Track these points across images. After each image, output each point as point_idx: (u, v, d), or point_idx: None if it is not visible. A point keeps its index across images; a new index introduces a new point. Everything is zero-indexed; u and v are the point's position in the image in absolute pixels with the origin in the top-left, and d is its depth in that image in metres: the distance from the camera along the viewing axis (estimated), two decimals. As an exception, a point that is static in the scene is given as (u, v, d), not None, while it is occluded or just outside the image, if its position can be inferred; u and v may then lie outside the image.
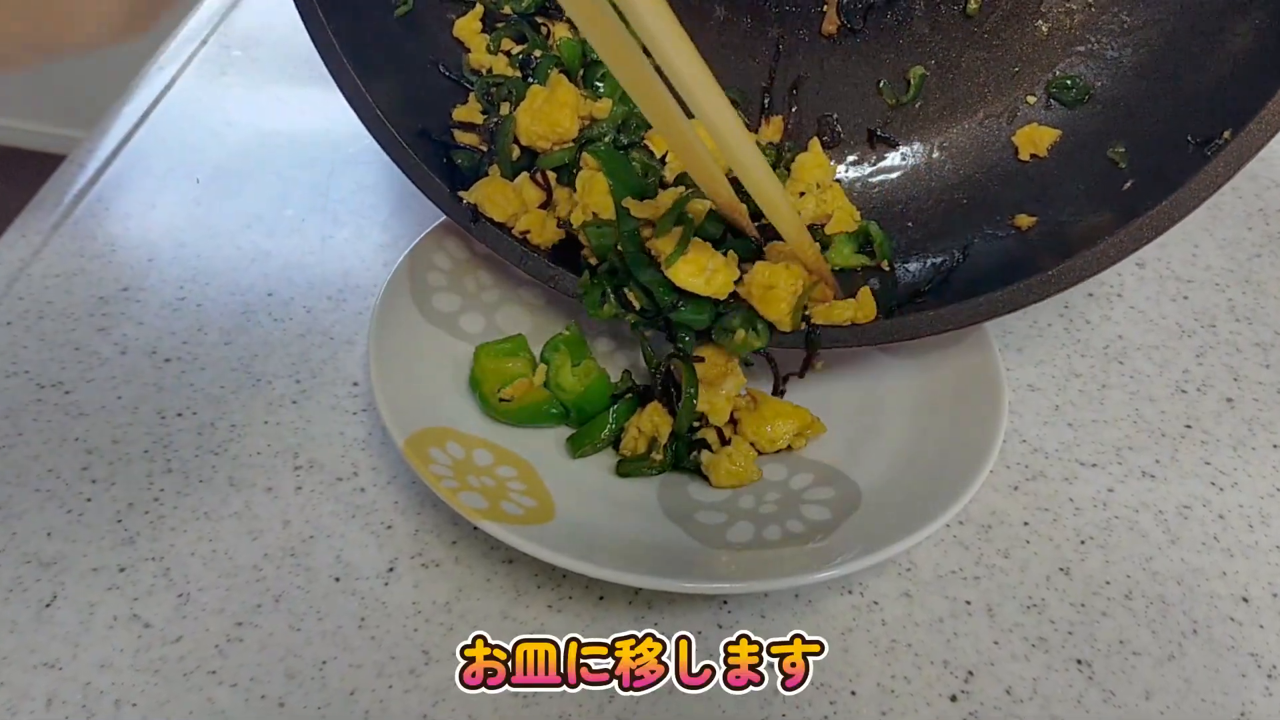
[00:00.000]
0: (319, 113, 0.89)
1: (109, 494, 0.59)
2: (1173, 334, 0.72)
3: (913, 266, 0.64)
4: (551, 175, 0.64)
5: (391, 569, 0.56)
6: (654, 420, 0.60)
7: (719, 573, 0.52)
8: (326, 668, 0.52)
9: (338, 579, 0.56)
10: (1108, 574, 0.58)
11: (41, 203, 0.78)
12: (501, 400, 0.61)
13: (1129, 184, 0.57)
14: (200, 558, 0.57)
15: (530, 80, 0.67)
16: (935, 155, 0.67)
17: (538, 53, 0.68)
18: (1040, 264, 0.57)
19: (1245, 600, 0.57)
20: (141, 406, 0.64)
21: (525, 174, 0.64)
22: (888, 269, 0.64)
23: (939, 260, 0.63)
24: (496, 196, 0.64)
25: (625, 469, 0.60)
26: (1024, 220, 0.61)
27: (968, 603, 0.56)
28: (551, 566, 0.54)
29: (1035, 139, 0.63)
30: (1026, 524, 0.60)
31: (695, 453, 0.60)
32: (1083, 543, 0.59)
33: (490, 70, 0.68)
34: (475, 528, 0.55)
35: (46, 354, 0.67)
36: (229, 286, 0.72)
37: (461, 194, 0.64)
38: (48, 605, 0.54)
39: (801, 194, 0.67)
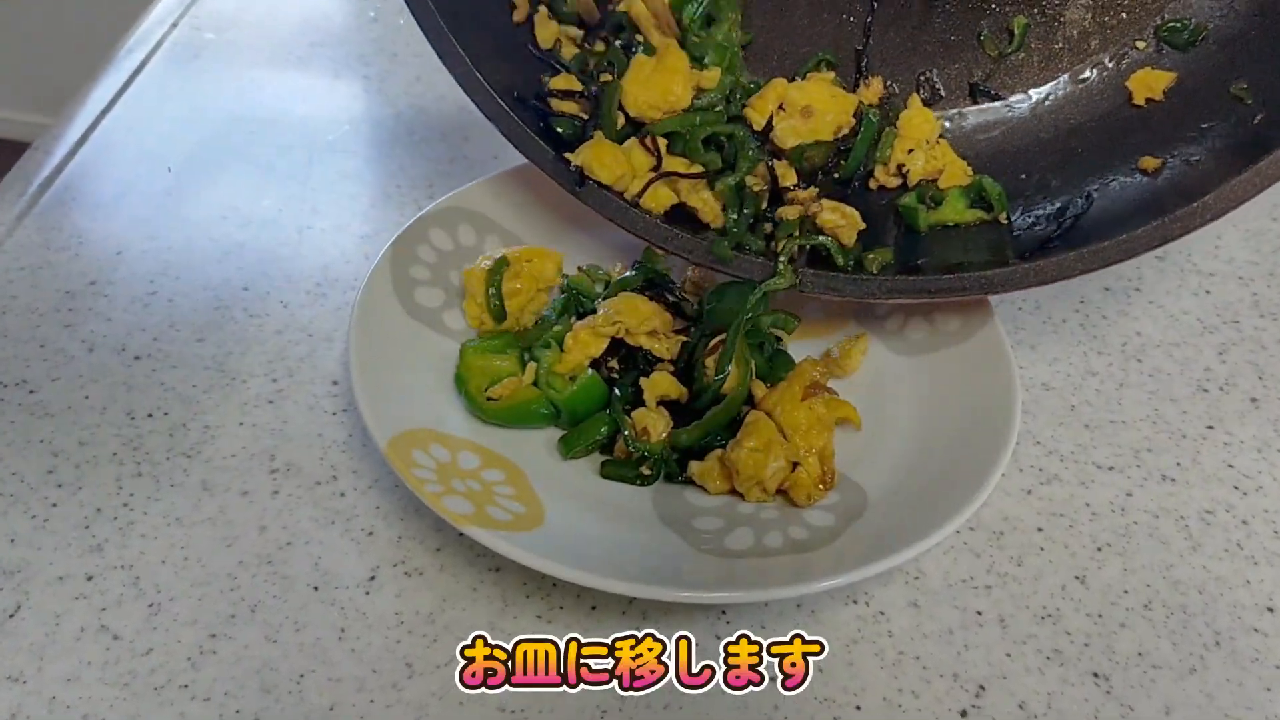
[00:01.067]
0: (297, 98, 0.89)
1: (76, 499, 0.59)
2: (1194, 330, 0.72)
3: (1034, 215, 0.64)
4: (662, 142, 0.65)
5: (373, 577, 0.56)
6: (652, 420, 0.60)
7: (717, 581, 0.52)
8: (304, 681, 0.52)
9: (316, 588, 0.56)
10: (1126, 583, 0.58)
11: (4, 193, 0.78)
12: (489, 400, 0.61)
13: (1259, 117, 0.58)
14: (172, 565, 0.56)
15: (635, 49, 0.67)
16: (1043, 106, 0.68)
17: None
18: (1172, 206, 0.57)
19: (1270, 610, 0.57)
20: (110, 407, 0.64)
21: (634, 139, 0.65)
22: (1005, 221, 0.64)
23: (1058, 208, 0.63)
24: (605, 158, 0.64)
25: (609, 471, 0.60)
26: (1149, 162, 0.61)
27: (979, 613, 0.56)
28: (541, 575, 0.54)
29: (1150, 83, 0.64)
30: (1040, 530, 0.60)
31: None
32: (1100, 550, 0.59)
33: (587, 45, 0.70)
34: (461, 534, 0.55)
35: (10, 351, 0.66)
36: (202, 280, 0.72)
37: (568, 155, 0.64)
38: (11, 615, 0.54)
39: (910, 151, 0.67)
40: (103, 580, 0.56)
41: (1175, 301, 0.74)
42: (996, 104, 0.69)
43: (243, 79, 0.91)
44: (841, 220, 0.64)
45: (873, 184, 0.68)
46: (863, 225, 0.64)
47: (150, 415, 0.64)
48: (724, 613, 0.55)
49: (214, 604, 0.55)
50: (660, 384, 0.61)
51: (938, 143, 0.68)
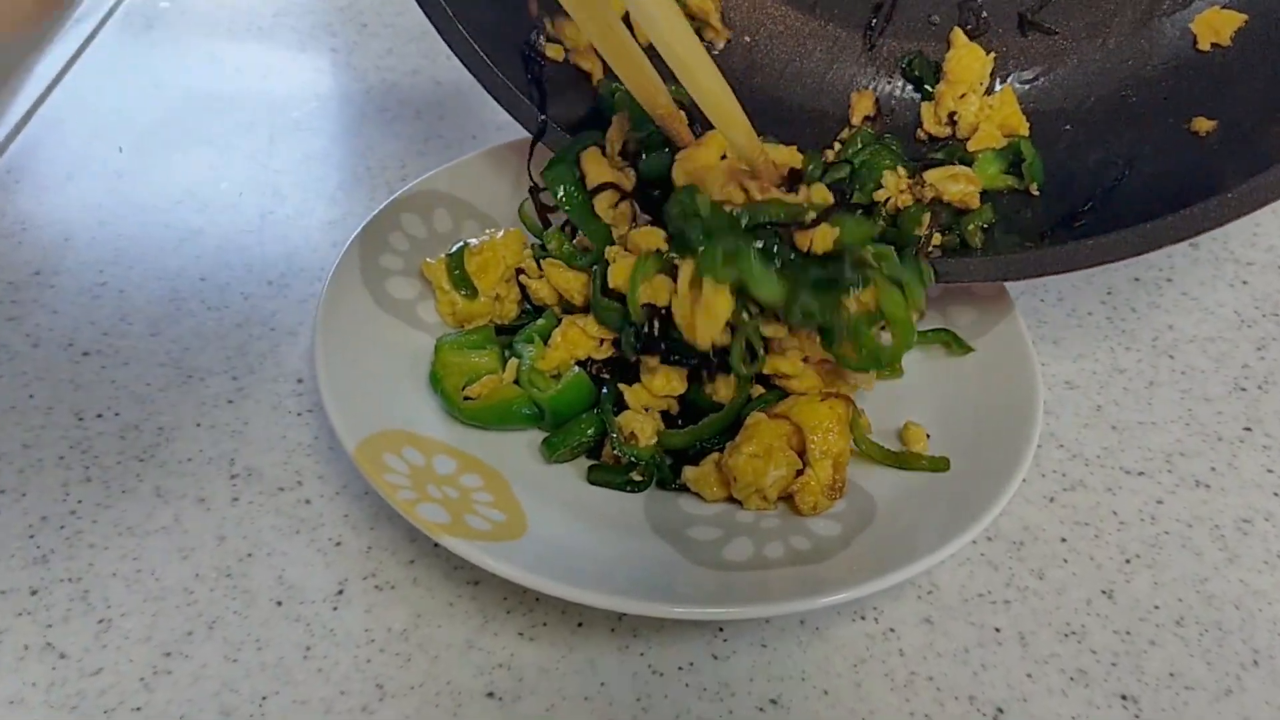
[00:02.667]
0: (258, 72, 0.89)
1: (19, 506, 0.59)
2: (1230, 324, 0.72)
3: (1070, 176, 0.64)
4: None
5: (341, 591, 0.56)
6: (641, 422, 0.60)
7: (714, 596, 0.52)
8: (267, 704, 0.52)
9: (279, 603, 0.56)
10: (1156, 597, 0.58)
11: (-59, 174, 0.78)
12: (466, 399, 0.61)
13: None
14: (123, 579, 0.56)
15: None
16: (1097, 44, 0.67)
17: None
18: (1220, 178, 0.55)
19: (1311, 626, 0.57)
20: (56, 406, 0.64)
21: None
22: (1035, 193, 0.64)
23: (1099, 172, 0.63)
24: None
25: (597, 477, 0.60)
26: (1202, 124, 0.61)
27: (997, 630, 0.56)
28: (523, 589, 0.54)
29: (1216, 25, 0.63)
30: (1064, 540, 0.60)
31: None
32: (1128, 562, 0.59)
33: None
34: (436, 545, 0.55)
35: (-53, 347, 0.67)
36: (156, 270, 0.72)
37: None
38: (-52, 633, 0.54)
39: (962, 96, 0.67)
40: (48, 594, 0.56)
41: (1210, 293, 0.74)
42: (1048, 40, 0.68)
43: (200, 51, 0.91)
44: (968, 185, 0.64)
45: (920, 134, 0.68)
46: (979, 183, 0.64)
47: (100, 416, 0.64)
48: (721, 630, 0.55)
49: (169, 620, 0.55)
50: (642, 395, 0.61)
51: (1002, 91, 0.67)
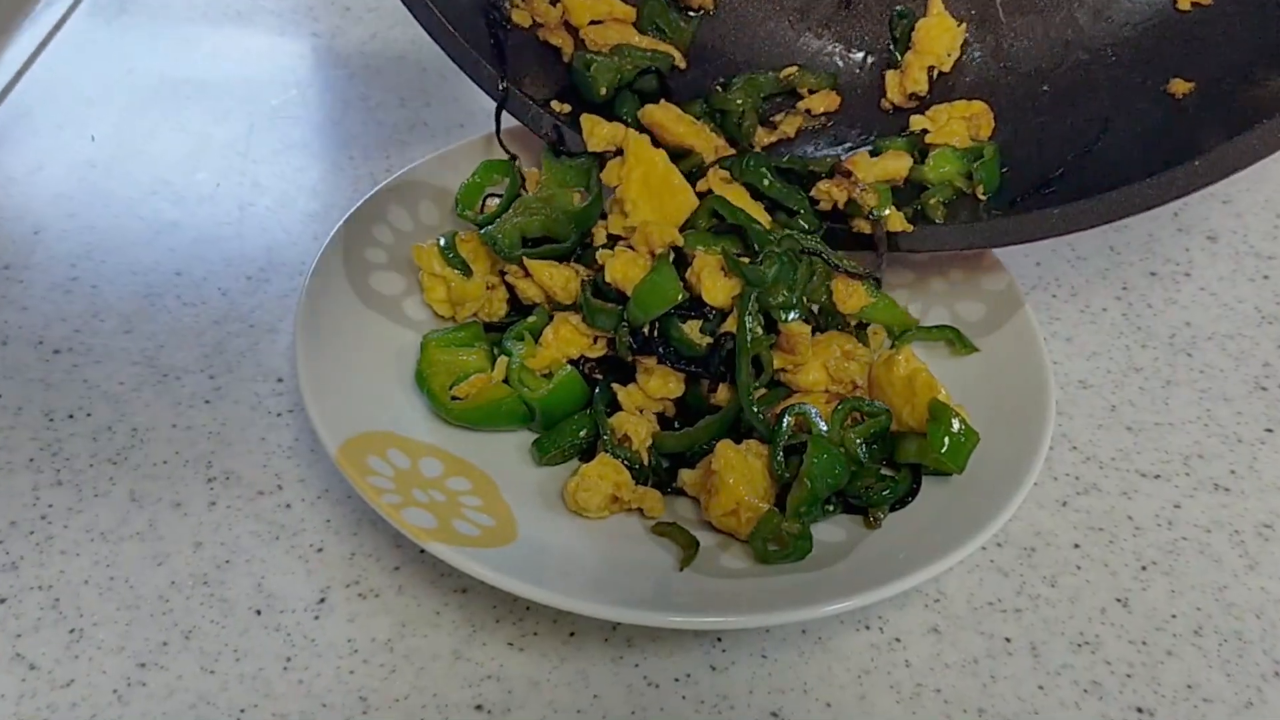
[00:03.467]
0: (236, 58, 0.89)
1: (-14, 511, 0.59)
2: (1250, 320, 0.73)
3: (1043, 142, 0.64)
4: None
5: (322, 600, 0.56)
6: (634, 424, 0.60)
7: (712, 604, 0.52)
8: (245, 717, 0.52)
9: (259, 612, 0.56)
10: (1174, 606, 0.58)
11: (-95, 164, 0.78)
12: (454, 399, 0.61)
13: None
14: (95, 586, 0.56)
15: None
16: (1078, 3, 0.67)
17: None
18: (1197, 141, 0.56)
19: (1335, 636, 0.57)
20: (26, 407, 0.64)
21: None
22: (982, 197, 0.64)
23: (1072, 138, 0.63)
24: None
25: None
26: (1180, 86, 0.61)
27: (1007, 640, 0.56)
28: (513, 597, 0.54)
29: None
30: (1077, 546, 0.60)
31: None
32: (1144, 569, 0.59)
33: None
34: (422, 551, 0.55)
35: (-89, 344, 0.67)
36: (129, 264, 0.72)
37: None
38: (-88, 644, 0.54)
39: (932, 69, 0.68)
40: (18, 603, 0.56)
41: (1230, 288, 0.75)
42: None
43: (175, 36, 0.91)
44: (896, 162, 0.65)
45: (885, 104, 0.69)
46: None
47: (71, 416, 0.64)
48: (720, 639, 0.56)
49: (143, 630, 0.55)
50: (637, 396, 0.61)
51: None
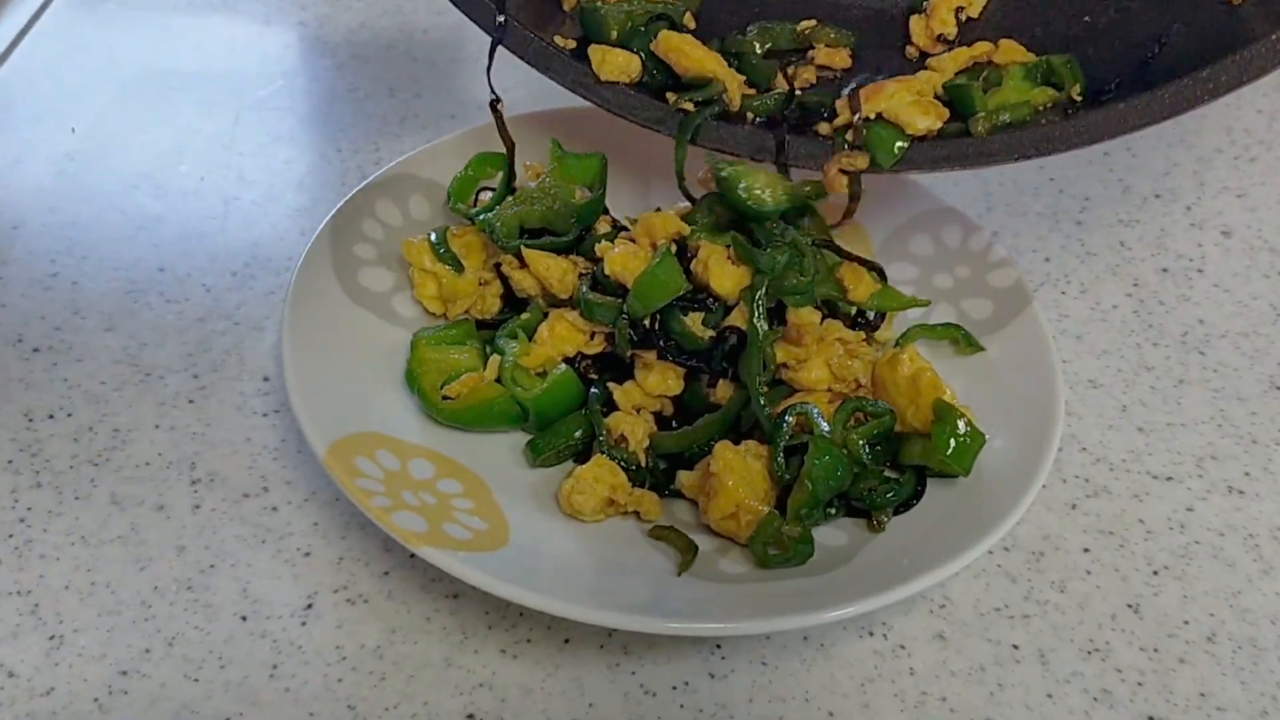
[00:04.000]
0: (221, 48, 0.89)
1: (-38, 514, 0.59)
2: (1265, 318, 0.73)
3: (1101, 60, 0.64)
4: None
5: (310, 606, 0.56)
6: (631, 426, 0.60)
7: (710, 610, 0.52)
8: (230, 727, 0.52)
9: (244, 618, 0.56)
10: (1186, 612, 0.58)
11: (-120, 157, 0.78)
12: (445, 399, 0.61)
13: None
14: (76, 592, 0.56)
15: None
16: None
17: None
18: (1254, 38, 0.56)
19: (1352, 643, 0.57)
20: (4, 407, 0.64)
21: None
22: (1078, 98, 0.63)
23: (1127, 53, 0.63)
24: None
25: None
26: None
27: (1015, 647, 0.56)
28: (506, 603, 0.54)
29: None
30: (1087, 551, 0.60)
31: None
32: (1155, 573, 0.59)
33: None
34: (412, 555, 0.55)
35: (-114, 343, 0.67)
36: (111, 260, 0.72)
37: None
38: (-113, 651, 0.54)
39: (960, 10, 0.68)
40: (-6, 609, 0.56)
41: (1244, 285, 0.75)
42: None
43: (158, 26, 0.91)
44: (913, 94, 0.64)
45: (910, 51, 0.69)
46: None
47: (51, 417, 0.63)
48: (719, 646, 0.55)
49: (125, 636, 0.55)
50: (633, 395, 0.61)
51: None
